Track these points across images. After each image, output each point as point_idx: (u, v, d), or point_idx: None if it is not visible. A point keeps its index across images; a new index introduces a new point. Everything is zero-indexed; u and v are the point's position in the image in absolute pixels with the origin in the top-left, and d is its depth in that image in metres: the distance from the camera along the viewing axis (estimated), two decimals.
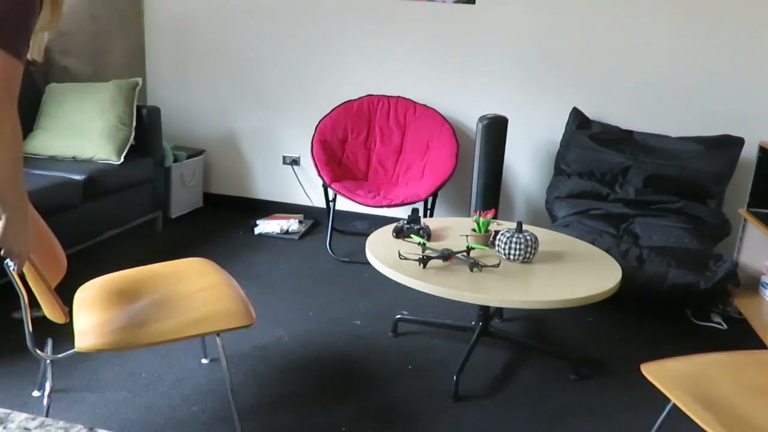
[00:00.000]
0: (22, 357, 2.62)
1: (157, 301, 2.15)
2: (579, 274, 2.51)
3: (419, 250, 2.57)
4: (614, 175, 3.70)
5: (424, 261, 2.44)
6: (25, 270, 1.76)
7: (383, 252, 2.59)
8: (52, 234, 2.09)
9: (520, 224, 2.59)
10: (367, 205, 3.78)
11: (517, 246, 2.52)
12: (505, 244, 2.54)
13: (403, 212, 4.43)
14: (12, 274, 1.77)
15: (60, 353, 2.64)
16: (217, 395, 2.46)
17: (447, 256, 2.48)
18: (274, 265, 3.77)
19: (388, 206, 3.76)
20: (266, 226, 4.30)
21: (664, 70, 3.88)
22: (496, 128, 3.73)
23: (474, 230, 2.73)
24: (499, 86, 4.15)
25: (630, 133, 3.82)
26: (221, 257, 3.82)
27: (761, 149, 3.50)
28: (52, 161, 3.57)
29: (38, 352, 2.03)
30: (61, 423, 0.80)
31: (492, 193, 3.81)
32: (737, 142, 3.63)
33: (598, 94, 4.00)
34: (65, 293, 3.22)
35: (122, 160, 3.68)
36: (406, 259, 2.48)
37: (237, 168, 4.77)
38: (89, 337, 1.93)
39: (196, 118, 4.75)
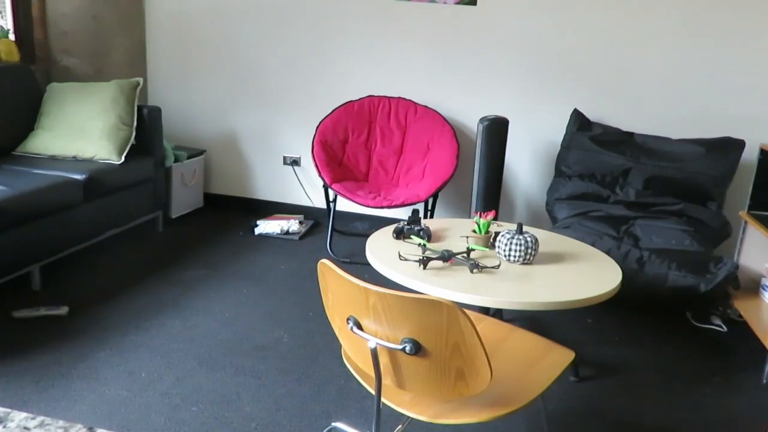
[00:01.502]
0: (21, 356, 2.62)
1: None
2: (579, 275, 2.51)
3: (419, 251, 2.56)
4: (615, 177, 3.69)
5: (424, 262, 2.44)
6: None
7: (383, 253, 2.58)
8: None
9: (520, 225, 2.58)
10: (368, 206, 3.78)
11: (518, 247, 2.52)
12: (506, 245, 2.54)
13: (403, 213, 4.43)
14: None
15: (63, 350, 2.65)
16: (217, 395, 2.46)
17: (447, 257, 2.48)
18: (275, 266, 3.77)
19: (389, 207, 3.76)
20: (266, 226, 4.30)
21: (665, 72, 3.88)
22: (496, 129, 3.73)
23: (474, 231, 2.73)
24: (500, 87, 4.15)
25: (631, 135, 3.82)
26: (221, 258, 3.82)
27: (762, 151, 3.50)
28: (53, 161, 3.57)
29: None
30: (61, 422, 0.80)
31: (492, 195, 3.81)
32: (738, 145, 3.63)
33: (598, 95, 4.00)
34: (64, 290, 3.24)
35: (123, 159, 3.68)
36: (406, 260, 2.48)
37: (237, 168, 4.77)
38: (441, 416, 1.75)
39: (196, 118, 4.75)
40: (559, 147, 3.92)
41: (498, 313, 3.26)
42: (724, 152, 3.63)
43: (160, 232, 4.20)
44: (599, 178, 3.72)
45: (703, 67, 3.82)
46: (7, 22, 3.88)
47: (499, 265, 2.49)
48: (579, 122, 3.86)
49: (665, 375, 2.86)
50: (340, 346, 2.89)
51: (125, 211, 3.81)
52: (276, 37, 4.45)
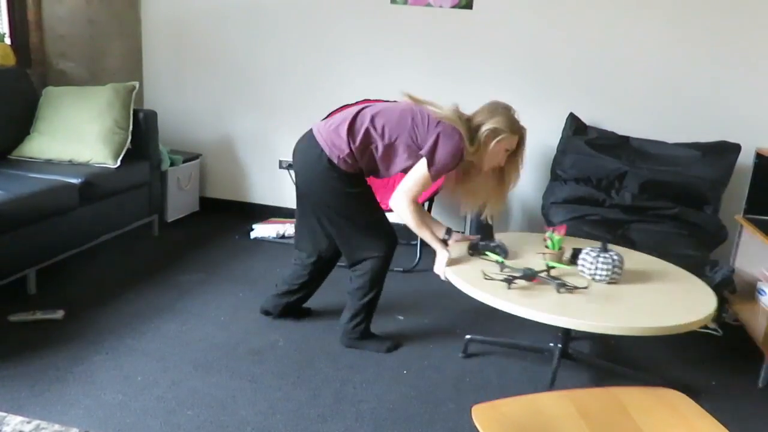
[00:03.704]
0: (17, 360, 2.61)
1: None
2: (670, 297, 2.40)
3: (498, 268, 2.49)
4: (611, 180, 3.70)
5: (509, 281, 2.37)
6: None
7: (464, 271, 2.50)
8: None
9: (605, 243, 2.49)
10: None
11: (604, 266, 2.41)
12: (591, 263, 2.45)
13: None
14: None
15: (59, 353, 2.64)
16: (212, 399, 2.45)
17: (531, 276, 2.39)
18: (270, 270, 3.76)
19: (384, 211, 3.75)
20: (262, 230, 4.29)
21: (661, 76, 3.89)
22: None
23: (547, 247, 2.65)
24: (496, 91, 4.15)
25: (627, 138, 3.83)
26: (217, 261, 3.82)
27: (758, 155, 3.51)
28: (49, 165, 3.56)
29: None
30: (57, 426, 0.80)
31: None
32: (734, 149, 3.64)
33: (594, 99, 4.01)
34: (59, 294, 3.23)
35: (119, 163, 3.67)
36: (492, 279, 2.41)
37: (233, 172, 4.76)
38: None
39: (192, 122, 4.74)
40: (555, 151, 3.92)
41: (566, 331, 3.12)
42: (720, 156, 3.63)
43: (155, 236, 4.20)
44: (595, 181, 3.73)
45: (699, 71, 3.83)
46: (3, 26, 3.88)
47: (588, 286, 2.39)
48: (575, 126, 3.87)
49: (661, 379, 2.86)
50: (336, 348, 2.90)
51: (121, 215, 3.80)
52: (272, 41, 4.45)
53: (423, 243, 4.02)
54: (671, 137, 3.87)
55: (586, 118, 3.97)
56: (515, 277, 2.38)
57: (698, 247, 3.37)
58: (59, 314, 2.97)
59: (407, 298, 3.51)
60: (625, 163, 3.68)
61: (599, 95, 4.00)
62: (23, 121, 3.74)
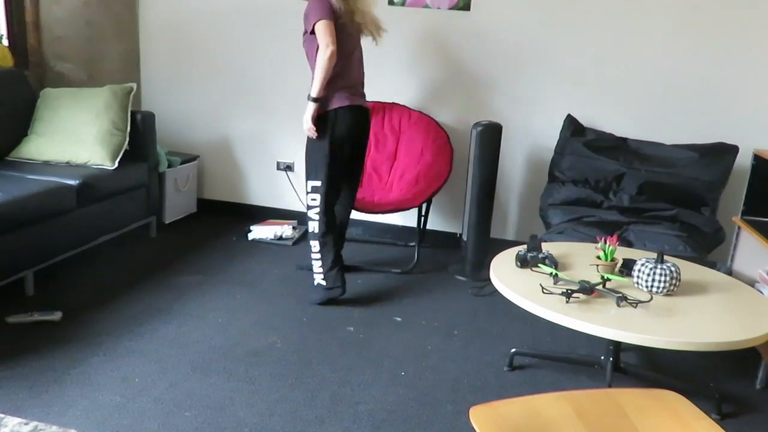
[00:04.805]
0: (15, 361, 2.61)
1: None
2: (732, 309, 2.33)
3: (551, 281, 2.45)
4: (608, 182, 3.70)
5: (567, 295, 2.31)
6: None
7: (519, 285, 2.44)
8: None
9: (661, 254, 2.43)
10: (362, 211, 3.78)
11: (661, 278, 2.37)
12: (648, 275, 2.40)
13: (398, 218, 4.43)
14: None
15: (57, 355, 2.63)
16: (210, 401, 2.45)
17: (590, 289, 2.35)
18: (268, 271, 3.76)
19: (382, 212, 3.76)
20: (260, 231, 4.29)
21: (659, 77, 3.90)
22: (490, 135, 3.74)
23: (599, 258, 2.60)
24: (493, 93, 4.16)
25: (624, 140, 3.84)
26: (215, 263, 3.82)
27: (755, 157, 3.52)
28: (47, 166, 3.56)
29: None
30: (55, 428, 0.80)
31: (486, 200, 3.81)
32: (732, 150, 3.64)
33: (592, 101, 4.01)
34: (57, 295, 3.22)
35: (116, 165, 3.67)
36: (550, 293, 2.35)
37: (231, 174, 4.76)
38: None
39: (190, 123, 4.74)
40: (552, 152, 3.93)
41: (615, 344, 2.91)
42: (718, 157, 3.64)
43: (153, 237, 4.19)
44: (593, 183, 3.73)
45: (697, 72, 3.84)
46: (1, 27, 3.88)
47: (651, 299, 2.34)
48: (573, 127, 3.88)
49: (659, 381, 2.86)
50: (334, 350, 2.90)
51: (119, 217, 3.80)
52: (269, 42, 4.45)
53: (421, 245, 4.03)
54: (669, 139, 3.88)
55: (584, 120, 3.98)
56: (573, 291, 2.32)
57: (696, 248, 3.37)
58: (57, 316, 2.97)
59: (404, 299, 3.51)
60: (623, 164, 3.69)
61: (597, 97, 4.01)
62: (21, 123, 3.74)
